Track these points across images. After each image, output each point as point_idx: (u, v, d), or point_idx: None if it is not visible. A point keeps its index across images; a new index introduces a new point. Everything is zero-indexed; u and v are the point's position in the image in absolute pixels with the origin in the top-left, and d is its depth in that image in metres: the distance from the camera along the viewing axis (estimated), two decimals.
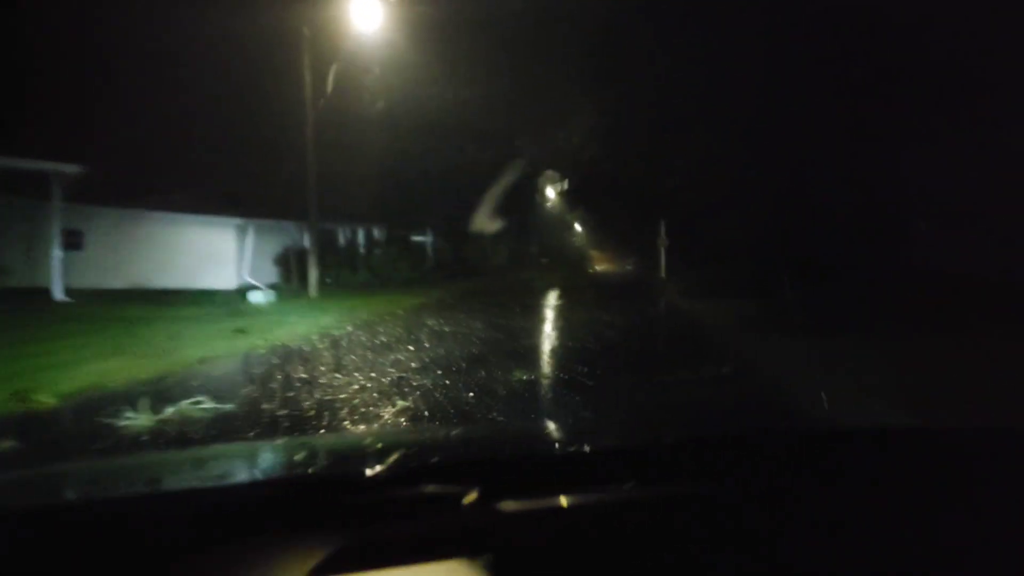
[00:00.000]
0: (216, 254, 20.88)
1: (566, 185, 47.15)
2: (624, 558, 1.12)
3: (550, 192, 53.74)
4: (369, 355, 8.83)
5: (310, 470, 1.57)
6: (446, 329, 11.61)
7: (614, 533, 1.19)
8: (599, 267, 34.52)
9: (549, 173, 52.20)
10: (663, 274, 32.55)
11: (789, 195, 21.35)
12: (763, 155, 23.88)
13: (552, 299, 20.28)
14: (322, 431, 5.03)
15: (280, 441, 3.39)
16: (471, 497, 1.17)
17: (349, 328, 12.15)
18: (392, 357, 8.55)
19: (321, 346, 10.03)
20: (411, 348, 9.44)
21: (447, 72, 23.86)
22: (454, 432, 2.63)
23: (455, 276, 31.59)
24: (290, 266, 23.11)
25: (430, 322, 12.81)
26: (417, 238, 38.99)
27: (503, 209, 51.83)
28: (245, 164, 23.74)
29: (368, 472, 1.29)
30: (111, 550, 1.07)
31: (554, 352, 9.94)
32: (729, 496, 1.30)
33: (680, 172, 29.04)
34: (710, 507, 1.27)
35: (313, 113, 19.71)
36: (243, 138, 23.76)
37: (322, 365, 8.31)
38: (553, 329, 13.46)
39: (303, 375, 7.49)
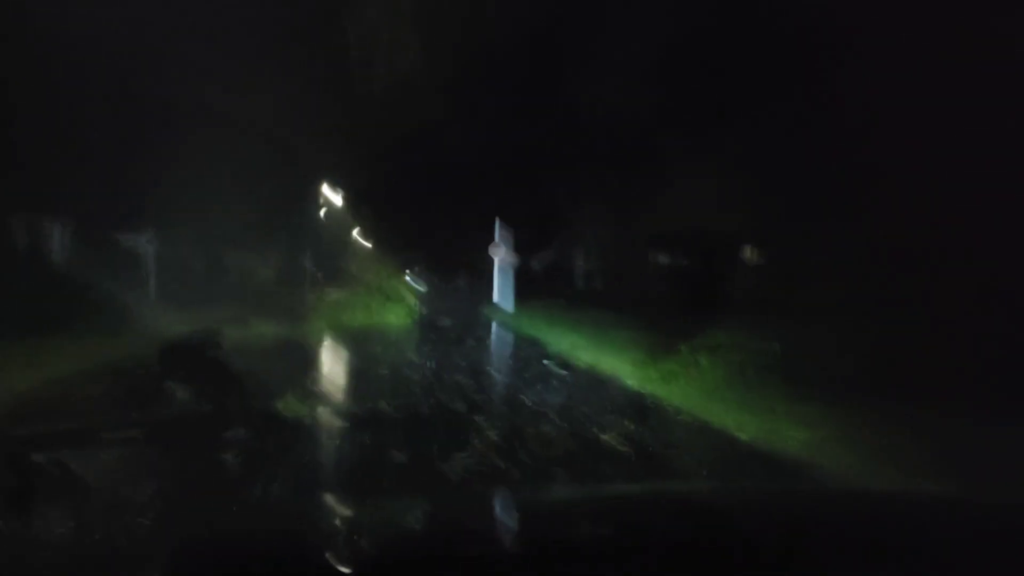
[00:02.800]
0: None
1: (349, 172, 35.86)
2: None
3: (332, 190, 42.01)
4: None
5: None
6: None
7: None
8: (399, 289, 22.86)
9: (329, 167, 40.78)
10: (494, 298, 22.39)
11: None
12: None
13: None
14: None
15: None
16: None
17: None
18: None
19: None
20: None
21: None
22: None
23: (191, 302, 19.51)
24: None
25: None
26: (132, 242, 25.72)
27: (273, 207, 39.60)
28: None
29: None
30: None
31: None
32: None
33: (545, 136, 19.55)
34: None
35: None
36: None
37: None
38: None
39: None
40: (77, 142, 21.03)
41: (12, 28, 16.41)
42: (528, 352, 11.37)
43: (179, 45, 21.55)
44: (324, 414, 6.58)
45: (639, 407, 7.20)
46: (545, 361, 9.77)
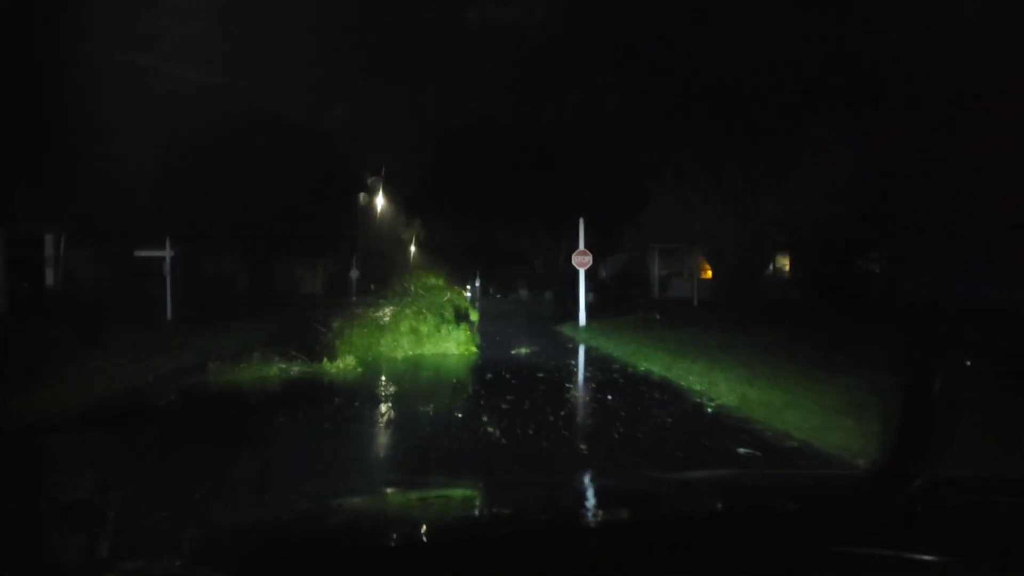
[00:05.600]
0: None
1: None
2: None
3: (382, 193, 38.04)
4: None
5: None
6: None
7: None
8: (457, 307, 18.13)
9: (380, 176, 37.00)
10: (580, 317, 17.89)
11: None
12: None
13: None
14: None
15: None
16: None
17: None
18: None
19: None
20: None
21: None
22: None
23: (207, 324, 15.81)
24: None
25: None
26: (147, 253, 21.80)
27: (318, 216, 36.00)
28: None
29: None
30: None
31: None
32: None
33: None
34: None
35: None
36: None
37: None
38: None
39: None
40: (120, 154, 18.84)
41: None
42: (680, 413, 6.76)
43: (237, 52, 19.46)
44: None
45: None
46: (740, 450, 5.18)
